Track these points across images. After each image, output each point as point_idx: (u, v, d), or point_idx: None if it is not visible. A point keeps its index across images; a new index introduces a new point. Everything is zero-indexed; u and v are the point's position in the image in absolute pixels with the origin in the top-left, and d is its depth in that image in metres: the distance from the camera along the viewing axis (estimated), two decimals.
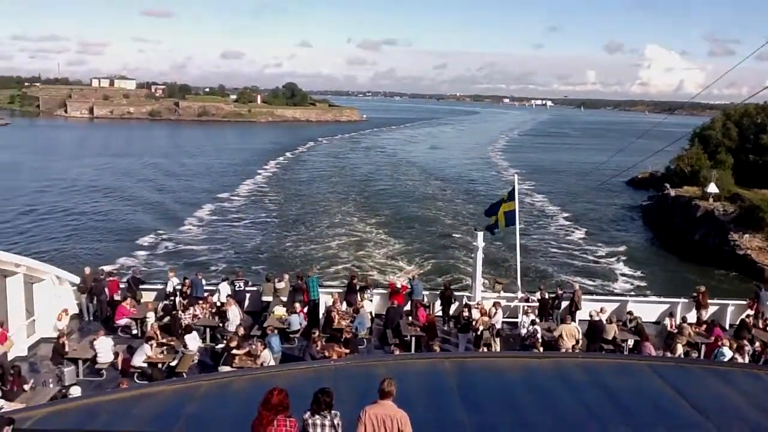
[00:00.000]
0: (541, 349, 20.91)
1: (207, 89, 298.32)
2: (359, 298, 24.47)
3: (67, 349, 19.99)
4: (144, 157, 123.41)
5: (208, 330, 22.58)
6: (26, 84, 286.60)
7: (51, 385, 18.23)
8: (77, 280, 24.63)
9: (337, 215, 73.03)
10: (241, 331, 20.81)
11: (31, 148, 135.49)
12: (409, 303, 24.88)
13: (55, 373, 19.11)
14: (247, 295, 24.82)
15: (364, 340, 22.47)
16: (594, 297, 27.29)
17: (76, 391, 17.38)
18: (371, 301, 25.04)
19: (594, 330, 21.81)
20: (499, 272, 41.96)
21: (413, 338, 22.28)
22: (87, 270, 25.11)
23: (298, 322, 22.44)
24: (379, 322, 24.14)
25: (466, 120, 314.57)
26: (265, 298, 24.43)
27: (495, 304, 23.36)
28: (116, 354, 20.08)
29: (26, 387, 17.70)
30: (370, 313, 24.00)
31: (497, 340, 21.90)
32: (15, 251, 26.04)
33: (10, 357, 19.38)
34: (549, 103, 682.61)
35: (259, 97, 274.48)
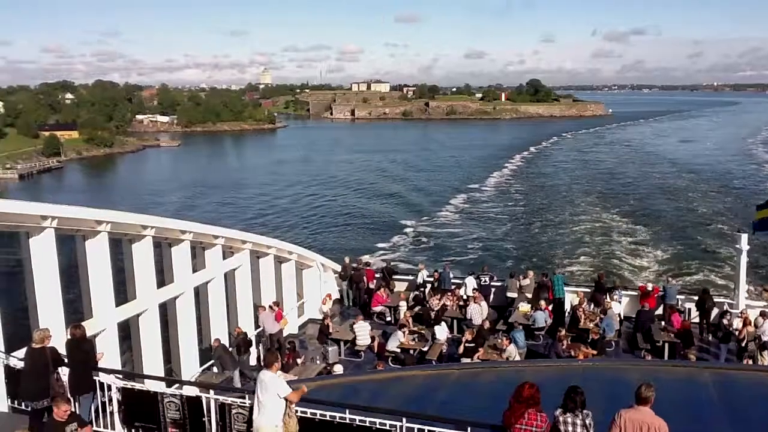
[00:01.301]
0: None
1: (454, 89, 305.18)
2: (607, 299, 23.41)
3: (330, 330, 21.81)
4: (399, 153, 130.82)
5: (455, 321, 23.16)
6: (297, 91, 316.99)
7: (317, 362, 20.04)
8: (338, 268, 26.73)
9: (580, 204, 72.04)
10: (487, 325, 21.02)
11: (305, 147, 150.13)
12: (662, 307, 23.25)
13: (320, 351, 20.96)
14: (492, 289, 24.98)
15: (612, 342, 21.42)
16: None
17: (338, 369, 18.89)
18: (620, 302, 23.79)
19: None
20: None
21: (666, 344, 20.78)
22: (347, 259, 27.12)
23: (543, 319, 22.08)
24: (628, 325, 22.89)
25: (723, 112, 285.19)
26: (509, 294, 24.39)
27: (762, 314, 20.87)
28: (372, 338, 21.45)
29: (299, 361, 19.66)
30: (619, 315, 22.83)
31: (765, 353, 19.59)
32: (287, 240, 28.97)
33: (284, 334, 21.64)
34: None
35: (503, 94, 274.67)
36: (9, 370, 11.57)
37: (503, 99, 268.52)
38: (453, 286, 24.94)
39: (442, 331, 21.04)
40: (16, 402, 11.37)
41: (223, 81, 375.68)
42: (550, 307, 22.94)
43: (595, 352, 19.32)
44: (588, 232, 58.09)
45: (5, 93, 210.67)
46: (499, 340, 19.54)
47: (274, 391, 9.47)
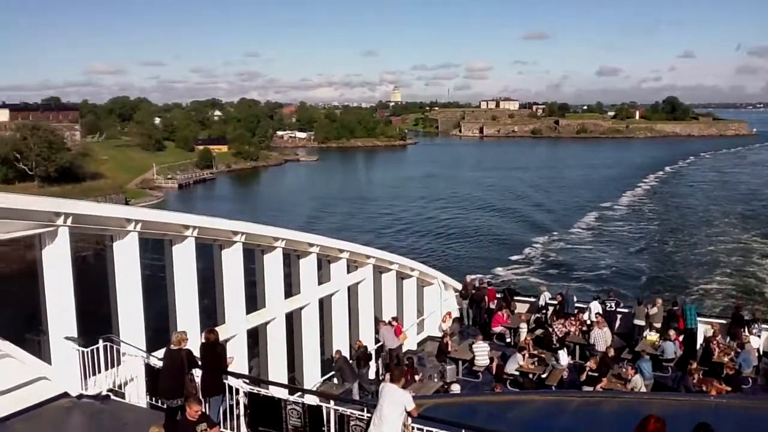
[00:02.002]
0: None
1: (585, 107, 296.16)
2: (745, 332, 21.59)
3: (449, 349, 21.56)
4: (527, 171, 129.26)
5: (577, 347, 22.24)
6: (427, 108, 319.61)
7: (435, 380, 19.91)
8: (459, 286, 26.39)
9: (718, 225, 68.92)
10: (611, 353, 20.02)
11: (434, 163, 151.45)
12: None
13: (438, 369, 20.79)
14: (618, 316, 23.74)
15: (749, 379, 19.75)
16: None
17: (455, 388, 18.68)
18: (759, 336, 21.86)
19: None
20: None
21: None
22: (468, 278, 26.77)
23: (672, 350, 20.70)
24: (767, 361, 21.02)
25: None
26: (636, 322, 23.03)
27: None
28: (491, 359, 20.96)
29: (416, 378, 19.61)
30: (757, 350, 21.01)
31: None
32: (410, 255, 29.13)
33: (403, 349, 21.65)
34: None
35: (637, 112, 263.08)
36: (149, 369, 12.27)
37: (637, 117, 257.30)
38: (576, 310, 23.98)
39: (563, 357, 20.27)
40: (154, 399, 12.09)
41: (353, 99, 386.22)
42: (681, 338, 21.52)
43: (729, 388, 17.87)
44: (726, 253, 54.93)
45: (162, 110, 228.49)
46: (624, 370, 18.56)
47: (399, 403, 9.48)
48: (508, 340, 23.70)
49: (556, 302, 24.71)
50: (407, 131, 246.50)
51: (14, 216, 11.39)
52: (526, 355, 20.29)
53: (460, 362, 21.16)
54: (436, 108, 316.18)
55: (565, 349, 20.75)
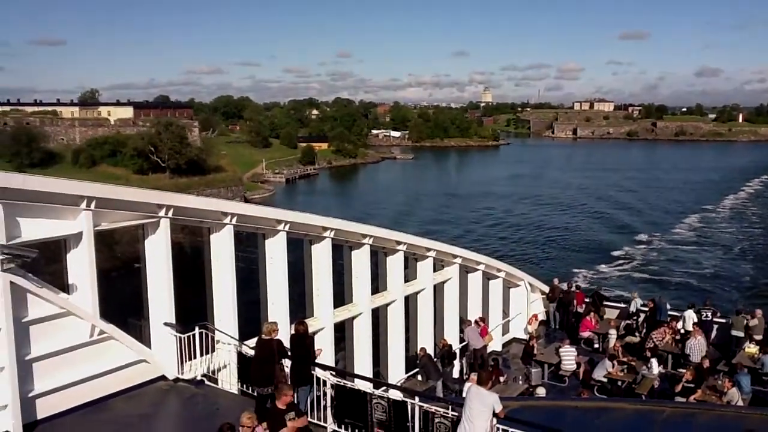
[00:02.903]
0: None
1: (683, 109, 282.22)
2: None
3: (535, 352, 20.87)
4: (622, 172, 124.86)
5: (669, 356, 21.07)
6: (518, 109, 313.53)
7: (520, 382, 19.32)
8: (546, 289, 25.56)
9: None
10: (706, 364, 18.83)
11: (529, 164, 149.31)
12: None
13: (523, 372, 20.18)
14: (715, 326, 22.32)
15: None
16: None
17: (541, 392, 18.08)
18: None
19: None
20: None
21: None
22: (556, 281, 25.88)
23: None
24: None
25: None
26: (734, 333, 21.57)
27: None
28: (578, 364, 20.18)
29: (501, 379, 19.12)
30: None
31: None
32: (500, 252, 28.48)
33: (488, 350, 21.18)
34: None
35: (740, 115, 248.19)
36: (241, 357, 12.50)
37: (740, 120, 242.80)
38: (669, 318, 22.70)
39: (655, 365, 19.22)
40: (245, 386, 12.31)
41: (442, 99, 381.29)
42: None
43: None
44: None
45: (263, 109, 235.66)
46: (720, 382, 17.39)
47: (488, 404, 9.37)
48: (596, 345, 22.74)
49: (647, 309, 23.55)
50: (499, 132, 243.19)
51: (123, 207, 11.87)
52: (616, 362, 19.37)
53: (546, 366, 20.48)
54: (528, 109, 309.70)
55: (656, 358, 19.70)
